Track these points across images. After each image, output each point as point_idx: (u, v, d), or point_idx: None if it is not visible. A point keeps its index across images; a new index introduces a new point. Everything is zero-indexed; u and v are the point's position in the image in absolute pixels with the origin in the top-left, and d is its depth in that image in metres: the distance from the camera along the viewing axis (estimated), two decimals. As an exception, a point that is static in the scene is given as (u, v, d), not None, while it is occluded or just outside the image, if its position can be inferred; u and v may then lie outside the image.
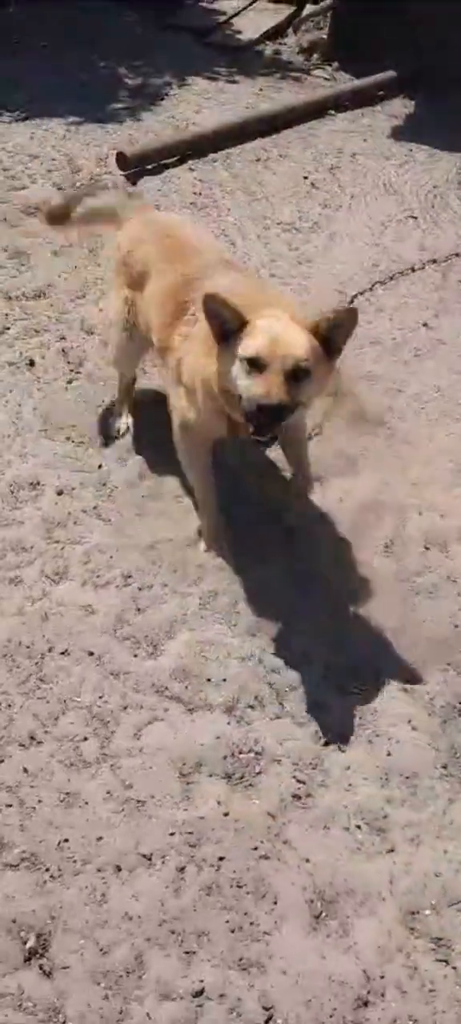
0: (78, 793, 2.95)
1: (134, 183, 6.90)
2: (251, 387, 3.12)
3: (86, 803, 2.91)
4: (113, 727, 3.16)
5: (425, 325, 5.36)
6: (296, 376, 3.13)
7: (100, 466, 4.27)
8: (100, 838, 2.82)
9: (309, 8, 10.45)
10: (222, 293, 3.29)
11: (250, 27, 10.38)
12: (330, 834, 2.88)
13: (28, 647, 3.40)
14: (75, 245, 5.91)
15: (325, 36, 9.71)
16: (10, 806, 2.89)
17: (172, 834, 2.84)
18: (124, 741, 3.10)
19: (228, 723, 3.19)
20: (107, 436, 4.46)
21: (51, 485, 4.15)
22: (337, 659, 3.45)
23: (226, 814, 2.89)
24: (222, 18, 10.31)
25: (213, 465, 3.84)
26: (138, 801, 2.92)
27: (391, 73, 8.62)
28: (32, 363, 4.89)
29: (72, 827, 2.85)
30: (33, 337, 5.10)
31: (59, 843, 2.80)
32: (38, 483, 4.17)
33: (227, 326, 3.28)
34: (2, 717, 3.15)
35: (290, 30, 10.26)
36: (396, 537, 3.95)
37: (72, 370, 4.92)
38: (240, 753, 3.10)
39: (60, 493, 4.11)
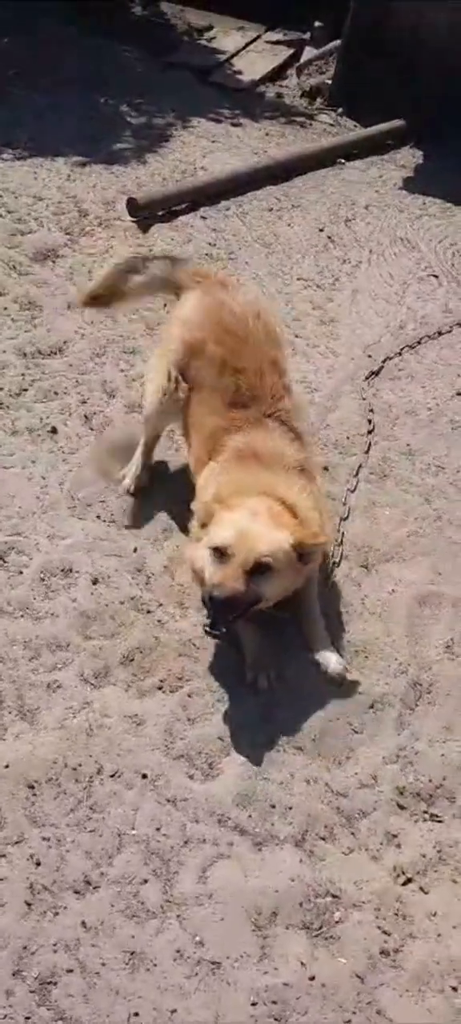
0: (144, 953, 2.65)
1: (145, 231, 6.63)
2: (210, 575, 3.25)
3: (154, 965, 2.61)
4: (175, 867, 2.86)
5: (459, 394, 5.14)
6: (259, 571, 3.24)
7: (135, 549, 3.98)
8: (174, 1011, 2.51)
9: (309, 52, 10.30)
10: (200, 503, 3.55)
11: (249, 67, 10.19)
12: (425, 999, 2.61)
13: (75, 769, 3.09)
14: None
15: (328, 81, 9.55)
16: (71, 971, 2.57)
17: (254, 1004, 2.55)
18: (189, 884, 2.81)
19: (300, 860, 2.91)
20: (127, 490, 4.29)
21: (85, 572, 3.85)
22: (407, 780, 3.19)
23: (311, 978, 2.60)
24: (222, 57, 10.10)
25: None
26: (212, 963, 2.63)
27: (399, 122, 8.46)
28: (54, 430, 4.59)
29: (141, 997, 2.55)
30: (53, 400, 4.80)
31: (128, 1018, 2.49)
32: (71, 569, 3.87)
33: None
34: (53, 857, 2.83)
35: (292, 72, 10.09)
36: (457, 636, 3.70)
37: (96, 438, 4.61)
38: (316, 897, 2.82)
39: (95, 582, 3.81)
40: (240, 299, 4.26)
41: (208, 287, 4.32)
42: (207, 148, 8.12)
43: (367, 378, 5.08)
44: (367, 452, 4.64)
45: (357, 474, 4.46)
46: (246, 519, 3.33)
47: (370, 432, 4.78)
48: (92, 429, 4.69)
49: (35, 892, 2.75)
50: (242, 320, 4.09)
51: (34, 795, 3.01)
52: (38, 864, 2.81)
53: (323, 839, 2.99)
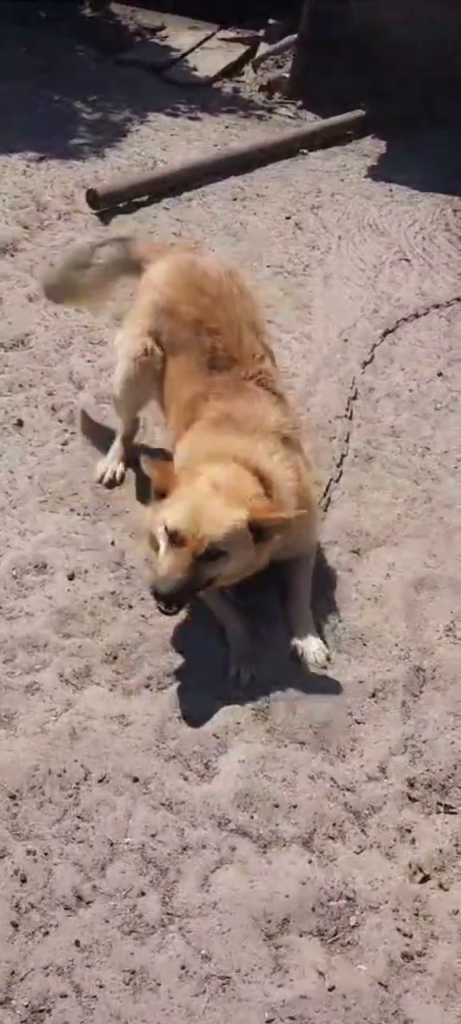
0: (146, 971, 2.39)
1: (107, 223, 6.39)
2: (158, 564, 3.11)
3: (158, 984, 2.36)
4: (174, 876, 2.61)
5: (440, 375, 4.99)
6: (210, 556, 3.06)
7: (113, 543, 3.73)
8: (183, 1033, 2.26)
9: (264, 47, 10.17)
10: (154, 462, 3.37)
11: (204, 64, 10.03)
12: (454, 1004, 2.39)
13: (60, 775, 2.83)
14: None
15: (286, 75, 9.42)
16: (65, 996, 2.31)
17: (270, 1021, 2.31)
18: (191, 894, 2.56)
19: (310, 862, 2.69)
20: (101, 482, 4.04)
21: (60, 568, 3.59)
22: (417, 771, 2.98)
23: (331, 988, 2.37)
24: (176, 55, 9.92)
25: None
26: (222, 978, 2.39)
27: (360, 112, 8.34)
28: (21, 423, 4.33)
29: (145, 1020, 2.29)
30: (18, 393, 4.54)
31: (133, 1044, 2.24)
32: (45, 565, 3.61)
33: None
34: (39, 871, 2.57)
35: (248, 68, 9.94)
36: (457, 619, 3.51)
37: (65, 430, 4.37)
38: (330, 901, 2.60)
39: (71, 577, 3.55)
40: (212, 259, 4.04)
41: (177, 251, 4.10)
42: (166, 142, 7.92)
43: (363, 367, 4.86)
44: (347, 441, 4.43)
45: (340, 463, 4.25)
46: (201, 496, 3.12)
47: (349, 418, 4.58)
48: (60, 421, 4.44)
49: (21, 911, 2.48)
50: (215, 279, 3.88)
51: (16, 805, 2.74)
52: (24, 880, 2.55)
53: (332, 838, 2.76)
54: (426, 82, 8.01)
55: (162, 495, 3.21)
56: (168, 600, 3.05)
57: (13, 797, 2.76)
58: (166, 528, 3.08)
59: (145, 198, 6.80)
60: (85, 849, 2.65)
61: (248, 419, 3.45)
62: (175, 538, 3.06)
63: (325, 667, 3.28)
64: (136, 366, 3.91)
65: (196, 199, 6.86)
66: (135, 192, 6.75)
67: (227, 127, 8.40)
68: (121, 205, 6.60)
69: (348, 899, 2.60)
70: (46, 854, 2.61)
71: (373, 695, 3.20)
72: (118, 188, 6.68)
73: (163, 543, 3.11)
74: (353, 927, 2.54)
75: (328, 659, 3.31)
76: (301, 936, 2.50)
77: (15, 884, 2.53)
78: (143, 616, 3.42)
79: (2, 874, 2.56)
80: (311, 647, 3.32)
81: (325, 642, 3.37)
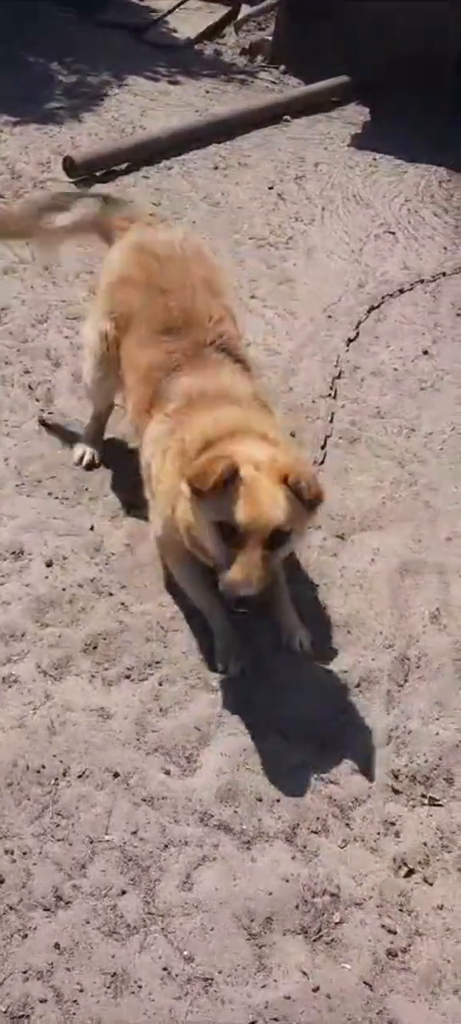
0: (127, 972, 2.35)
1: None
2: (229, 572, 2.85)
3: (139, 987, 2.32)
4: (156, 874, 2.57)
5: (425, 353, 4.93)
6: (275, 543, 2.90)
7: (92, 528, 3.65)
8: (166, 1038, 2.22)
9: (246, 9, 9.99)
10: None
11: (185, 26, 9.84)
12: (439, 1002, 2.37)
13: (38, 771, 2.77)
14: (30, 262, 5.24)
15: (269, 38, 9.24)
16: (45, 1001, 2.26)
17: (254, 1022, 2.27)
18: (172, 892, 2.51)
19: (293, 857, 2.65)
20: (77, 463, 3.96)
21: (38, 554, 3.51)
22: (401, 763, 2.94)
23: (315, 989, 2.34)
24: (156, 15, 9.72)
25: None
26: (204, 979, 2.35)
27: (344, 78, 8.21)
28: (-4, 403, 4.22)
29: (126, 1023, 2.24)
30: (-7, 371, 4.43)
31: (115, 1050, 2.20)
32: (22, 551, 3.53)
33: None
34: (18, 871, 2.51)
35: (230, 30, 9.76)
36: (442, 605, 3.47)
37: (42, 409, 4.27)
38: (314, 897, 2.56)
39: (49, 564, 3.48)
40: (168, 231, 3.92)
41: (134, 229, 3.98)
42: (145, 106, 7.77)
43: (347, 344, 4.79)
44: (331, 421, 4.36)
45: (324, 445, 4.18)
46: (248, 480, 2.88)
47: (333, 398, 4.51)
48: (37, 400, 4.35)
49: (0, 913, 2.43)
50: (167, 243, 3.80)
51: (-7, 803, 2.67)
52: (1, 881, 2.50)
53: (316, 832, 2.73)
54: (409, 48, 7.87)
55: (201, 491, 2.93)
56: (253, 601, 2.91)
57: (-10, 794, 2.69)
58: (221, 524, 2.90)
59: (124, 166, 6.65)
60: (65, 848, 2.59)
61: (221, 392, 3.29)
62: (235, 533, 2.87)
63: (310, 653, 3.21)
64: (99, 355, 3.81)
65: (176, 167, 6.74)
66: (114, 160, 6.62)
67: (208, 91, 8.25)
68: (99, 173, 6.46)
69: (332, 895, 2.57)
70: (25, 853, 2.56)
71: (358, 685, 3.16)
72: (96, 155, 6.55)
73: (218, 545, 2.93)
74: (337, 924, 2.51)
75: (311, 644, 3.25)
76: (285, 935, 2.46)
77: (-8, 886, 2.46)
78: (123, 604, 3.36)
79: (-22, 875, 2.49)
80: (296, 635, 3.26)
81: (306, 628, 3.31)
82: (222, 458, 2.89)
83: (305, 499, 2.92)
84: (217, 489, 2.85)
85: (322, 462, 4.07)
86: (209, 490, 2.86)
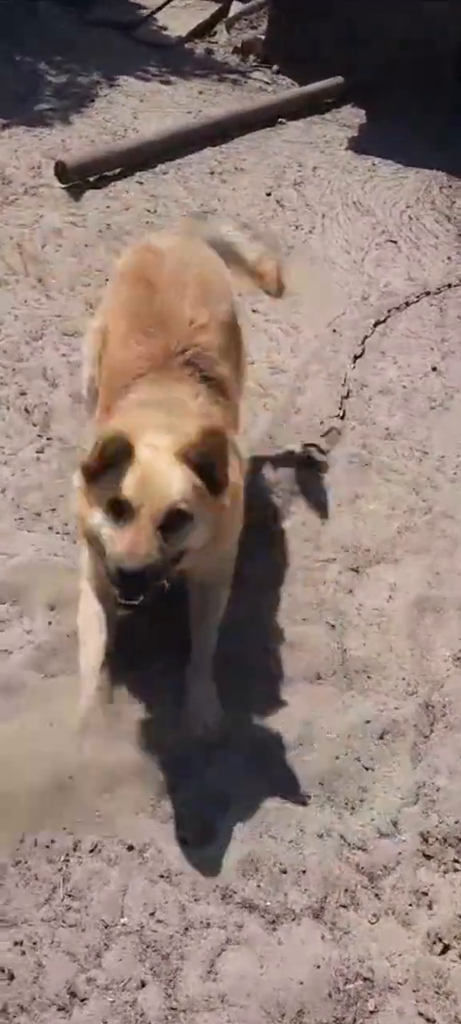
0: None
1: (77, 198, 6.04)
2: (113, 542, 2.53)
3: None
4: (177, 961, 2.38)
5: (434, 370, 4.75)
6: (172, 524, 2.56)
7: (96, 567, 3.44)
8: None
9: (237, 7, 9.80)
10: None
11: (175, 23, 9.64)
12: None
13: (47, 846, 2.57)
14: (22, 274, 5.04)
15: (261, 37, 9.06)
16: None
17: None
18: (196, 983, 2.34)
19: (322, 937, 2.47)
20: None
21: (40, 597, 3.30)
22: (431, 824, 2.77)
23: None
24: (145, 12, 9.50)
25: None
26: None
27: (339, 79, 8.03)
28: (-9, 429, 4.02)
29: None
30: (-13, 393, 4.22)
31: None
32: (22, 595, 3.31)
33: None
34: (29, 965, 2.32)
35: (221, 28, 9.56)
36: (466, 646, 3.30)
37: (40, 435, 4.07)
38: (346, 984, 2.39)
39: (53, 608, 3.27)
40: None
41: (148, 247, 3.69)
42: (137, 108, 7.57)
43: (354, 361, 4.62)
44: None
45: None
46: (147, 458, 2.63)
47: (341, 418, 4.34)
48: (34, 424, 4.14)
49: (10, 1016, 2.24)
50: (174, 241, 3.58)
51: (0, 886, 2.48)
52: (11, 978, 2.30)
53: (345, 906, 2.55)
54: (407, 48, 7.71)
55: (93, 471, 2.67)
56: (136, 580, 2.51)
57: (-4, 874, 2.50)
58: (110, 503, 2.59)
59: (117, 171, 6.45)
60: (77, 935, 2.41)
61: (165, 405, 2.93)
62: (124, 511, 2.57)
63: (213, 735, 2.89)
64: (93, 355, 3.55)
65: (171, 172, 6.55)
66: (107, 164, 6.42)
67: (201, 92, 8.06)
68: (92, 179, 6.25)
69: (365, 979, 2.40)
70: (35, 944, 2.37)
71: (381, 737, 2.98)
72: (88, 160, 6.35)
73: (108, 524, 2.61)
74: (372, 1012, 2.34)
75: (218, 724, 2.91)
76: (318, 1030, 2.28)
77: (2, 983, 2.27)
78: (138, 652, 3.15)
79: (-14, 970, 2.30)
80: (203, 712, 2.92)
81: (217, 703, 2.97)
82: (113, 432, 2.66)
83: (212, 478, 2.67)
84: (104, 461, 2.62)
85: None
86: (95, 462, 2.63)
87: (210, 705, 2.98)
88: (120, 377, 3.14)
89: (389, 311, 5.11)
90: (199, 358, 3.12)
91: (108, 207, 5.97)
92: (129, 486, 2.57)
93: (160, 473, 2.61)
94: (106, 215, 5.84)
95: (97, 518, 2.65)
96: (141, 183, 6.35)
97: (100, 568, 2.80)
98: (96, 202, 5.99)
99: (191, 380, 3.07)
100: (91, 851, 2.59)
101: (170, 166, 6.60)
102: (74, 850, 2.59)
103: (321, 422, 4.30)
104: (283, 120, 7.55)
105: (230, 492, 2.81)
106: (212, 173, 6.59)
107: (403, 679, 3.17)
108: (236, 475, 2.94)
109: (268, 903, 2.54)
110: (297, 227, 5.97)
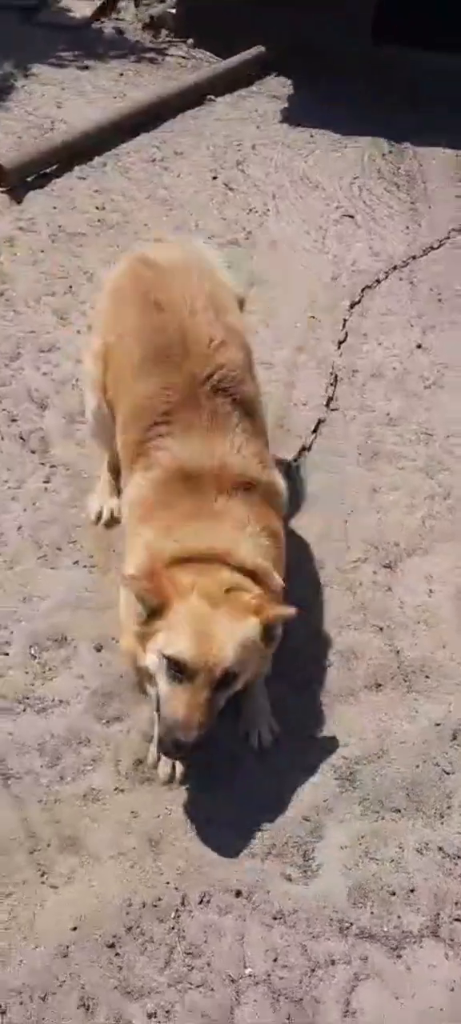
0: None
1: (19, 201, 5.79)
2: (171, 706, 2.52)
3: None
4: (311, 1006, 2.36)
5: (419, 347, 4.77)
6: (224, 683, 2.57)
7: (133, 598, 3.33)
8: None
9: (140, -21, 9.52)
10: (141, 573, 2.64)
11: (76, 2, 9.30)
12: None
13: (155, 906, 2.50)
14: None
15: (171, 10, 8.83)
16: None
17: None
18: (334, 1017, 2.29)
19: (445, 956, 2.47)
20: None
21: (83, 637, 3.18)
22: None
23: None
24: (44, -8, 9.13)
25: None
26: None
27: (261, 48, 7.92)
28: (-9, 463, 3.83)
29: None
30: (-26, 423, 4.02)
31: None
32: (64, 637, 3.19)
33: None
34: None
35: (126, 4, 9.29)
36: None
37: (42, 463, 3.91)
38: (479, 998, 2.38)
39: (99, 649, 3.15)
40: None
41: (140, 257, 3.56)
42: (58, 97, 7.30)
43: (338, 347, 4.58)
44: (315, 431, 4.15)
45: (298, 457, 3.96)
46: (202, 614, 2.57)
47: (326, 405, 4.31)
48: (33, 452, 3.97)
49: None
50: (168, 251, 3.47)
51: (117, 955, 2.40)
52: (153, 1054, 2.21)
53: (458, 920, 2.55)
54: (321, 9, 7.62)
55: (155, 612, 2.61)
56: (188, 748, 2.53)
57: (112, 946, 2.40)
58: (168, 660, 2.56)
59: (55, 167, 6.20)
60: (206, 994, 2.34)
61: (203, 470, 2.85)
62: (182, 671, 2.54)
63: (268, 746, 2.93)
64: (94, 381, 3.42)
65: (110, 163, 6.35)
66: (44, 162, 6.15)
67: (121, 74, 7.82)
68: (30, 179, 6.00)
69: (495, 991, 2.40)
70: (168, 1013, 2.29)
71: (454, 738, 2.99)
72: (26, 160, 6.06)
73: (165, 681, 2.58)
74: None
75: (277, 739, 2.95)
76: (464, 1050, 2.28)
77: (147, 1062, 2.19)
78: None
79: (128, 1053, 2.20)
80: (256, 728, 2.95)
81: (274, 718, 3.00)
82: (162, 584, 2.61)
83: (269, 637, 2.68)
84: (152, 612, 2.59)
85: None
86: (147, 611, 2.61)
87: (264, 717, 2.96)
88: (146, 415, 3.01)
89: (362, 290, 5.08)
90: (226, 380, 3.03)
91: (54, 207, 5.74)
92: (187, 649, 2.52)
93: (217, 634, 2.55)
94: (55, 217, 5.62)
95: (151, 664, 2.61)
96: (83, 178, 6.13)
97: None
98: (41, 203, 5.75)
99: (224, 414, 2.98)
100: (200, 903, 2.51)
101: (108, 157, 6.40)
102: (182, 904, 2.51)
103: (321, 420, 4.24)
104: (212, 97, 7.40)
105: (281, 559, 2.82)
106: (153, 160, 6.41)
107: (461, 675, 3.18)
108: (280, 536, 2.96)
109: (385, 928, 2.52)
110: (250, 210, 5.87)
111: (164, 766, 2.78)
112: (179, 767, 2.77)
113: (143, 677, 2.73)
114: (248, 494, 2.87)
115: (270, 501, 2.97)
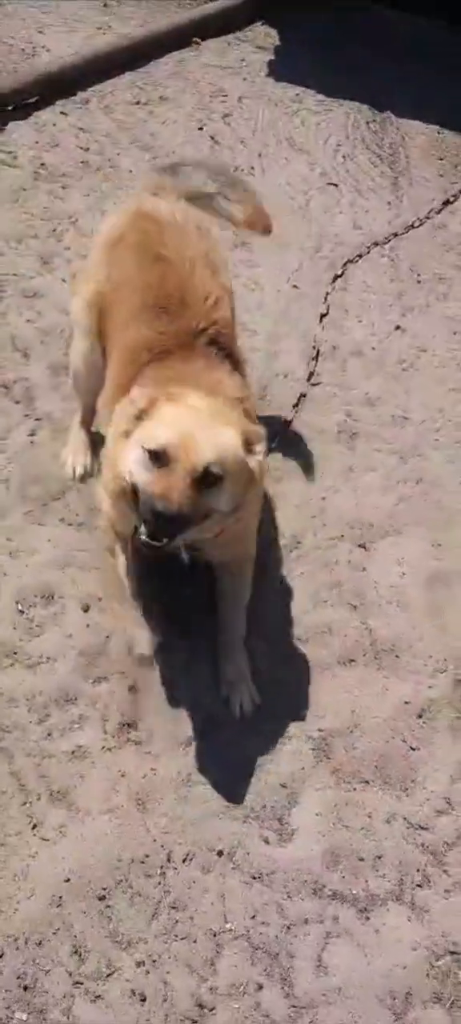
0: None
1: (1, 129, 5.72)
2: (149, 483, 2.65)
3: None
4: (286, 960, 2.55)
5: (398, 328, 4.91)
6: (205, 482, 2.67)
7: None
8: None
9: None
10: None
11: None
12: None
13: (142, 861, 2.66)
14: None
15: None
16: None
17: None
18: (310, 980, 2.51)
19: (408, 919, 2.69)
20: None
21: (70, 596, 3.29)
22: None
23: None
24: None
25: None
26: None
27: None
28: (-24, 413, 3.88)
29: None
30: (-45, 375, 4.04)
31: None
32: (52, 595, 3.29)
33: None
34: (155, 984, 2.42)
35: None
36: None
37: (27, 414, 3.96)
38: (437, 960, 2.64)
39: (86, 609, 3.26)
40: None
41: (141, 199, 3.69)
42: (41, 22, 7.14)
43: (320, 321, 4.69)
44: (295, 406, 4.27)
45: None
46: (189, 414, 2.76)
47: (307, 380, 4.43)
48: (17, 402, 4.02)
49: (154, 1041, 2.33)
50: (167, 208, 3.53)
51: (108, 907, 2.56)
52: (143, 1000, 2.40)
53: (419, 886, 2.77)
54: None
55: (142, 413, 2.81)
56: (166, 522, 2.59)
57: (102, 898, 2.56)
58: (150, 450, 2.68)
59: (35, 99, 6.12)
60: (190, 946, 2.52)
61: (205, 384, 2.99)
62: (162, 460, 2.66)
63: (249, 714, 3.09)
64: (86, 326, 3.53)
65: (93, 101, 6.29)
66: (27, 91, 6.07)
67: (105, 4, 7.67)
68: (9, 108, 5.91)
69: (452, 953, 2.63)
70: (155, 962, 2.47)
71: (420, 716, 3.19)
72: (6, 89, 5.98)
73: (145, 470, 2.70)
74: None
75: (257, 707, 3.10)
76: (425, 1007, 2.52)
77: (136, 1006, 2.37)
78: (191, 651, 3.21)
79: (119, 997, 2.38)
80: (238, 695, 3.09)
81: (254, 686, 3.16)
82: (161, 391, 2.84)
83: (252, 461, 2.85)
84: (149, 413, 2.80)
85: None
86: (141, 410, 2.81)
87: (246, 685, 3.12)
88: (143, 355, 3.13)
89: (344, 264, 5.18)
90: (219, 336, 3.20)
91: (37, 142, 5.69)
92: (169, 439, 2.66)
93: (200, 432, 2.70)
94: (37, 152, 5.58)
95: (133, 458, 2.73)
96: (65, 114, 6.07)
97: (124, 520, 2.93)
98: (23, 136, 5.70)
99: (218, 363, 3.14)
100: (184, 861, 2.68)
101: (91, 93, 6.33)
102: (168, 861, 2.67)
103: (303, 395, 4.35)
104: (198, 40, 7.33)
105: (258, 469, 2.92)
106: (138, 103, 6.37)
107: (430, 656, 3.38)
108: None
109: (354, 892, 2.73)
110: (236, 168, 5.88)
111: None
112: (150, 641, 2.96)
113: (121, 485, 2.85)
114: (237, 405, 3.03)
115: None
